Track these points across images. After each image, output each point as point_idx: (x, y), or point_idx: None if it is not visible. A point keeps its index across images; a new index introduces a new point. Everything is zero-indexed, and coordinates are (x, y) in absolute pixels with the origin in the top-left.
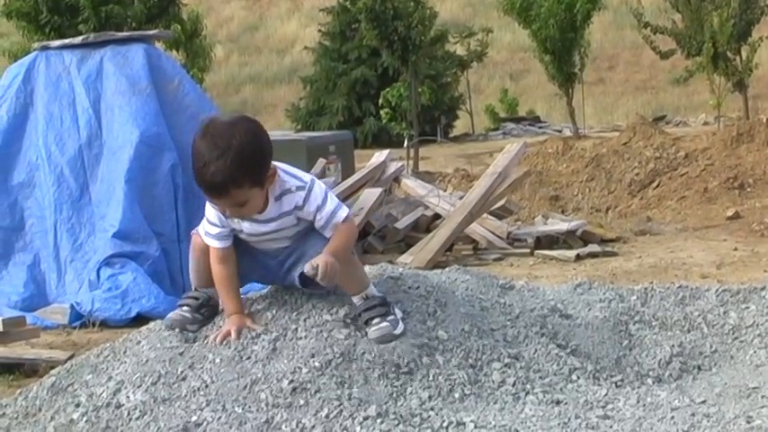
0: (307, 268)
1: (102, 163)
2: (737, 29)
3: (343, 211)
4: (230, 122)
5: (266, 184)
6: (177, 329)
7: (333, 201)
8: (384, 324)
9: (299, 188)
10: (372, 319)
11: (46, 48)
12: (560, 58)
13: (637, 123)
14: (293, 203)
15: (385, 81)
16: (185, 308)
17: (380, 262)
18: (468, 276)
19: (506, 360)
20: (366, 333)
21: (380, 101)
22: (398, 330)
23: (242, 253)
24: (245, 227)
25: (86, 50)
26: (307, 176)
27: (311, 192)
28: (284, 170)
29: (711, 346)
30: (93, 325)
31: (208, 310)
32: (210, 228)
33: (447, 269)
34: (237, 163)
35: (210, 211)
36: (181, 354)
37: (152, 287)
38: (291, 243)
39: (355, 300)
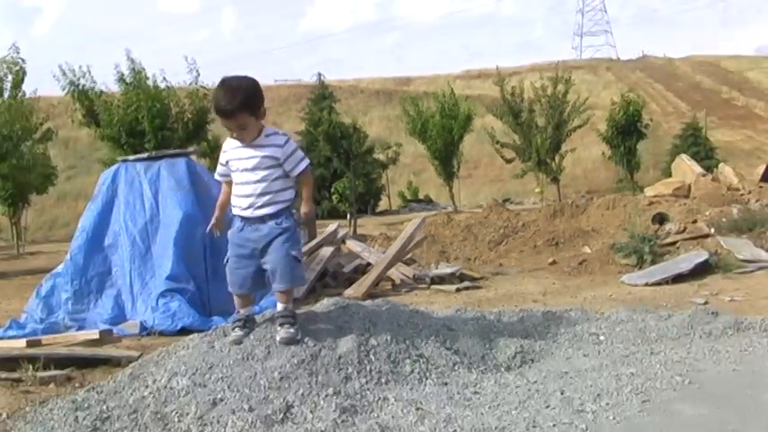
0: (295, 215)
1: (159, 232)
2: (552, 144)
3: (306, 161)
4: (239, 77)
5: (259, 117)
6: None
7: (301, 153)
8: (292, 330)
9: (283, 134)
10: (284, 324)
11: (125, 160)
12: (444, 163)
13: (492, 204)
14: (277, 141)
15: (335, 177)
16: (237, 329)
17: (334, 295)
18: (389, 305)
19: (414, 358)
20: (278, 331)
21: (333, 190)
22: (299, 337)
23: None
24: (239, 153)
25: (150, 162)
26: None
27: (290, 140)
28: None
29: (540, 347)
30: (155, 334)
31: (250, 323)
32: (220, 169)
33: (376, 300)
34: (241, 99)
35: (222, 156)
36: (210, 355)
37: (191, 310)
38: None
39: (280, 306)
